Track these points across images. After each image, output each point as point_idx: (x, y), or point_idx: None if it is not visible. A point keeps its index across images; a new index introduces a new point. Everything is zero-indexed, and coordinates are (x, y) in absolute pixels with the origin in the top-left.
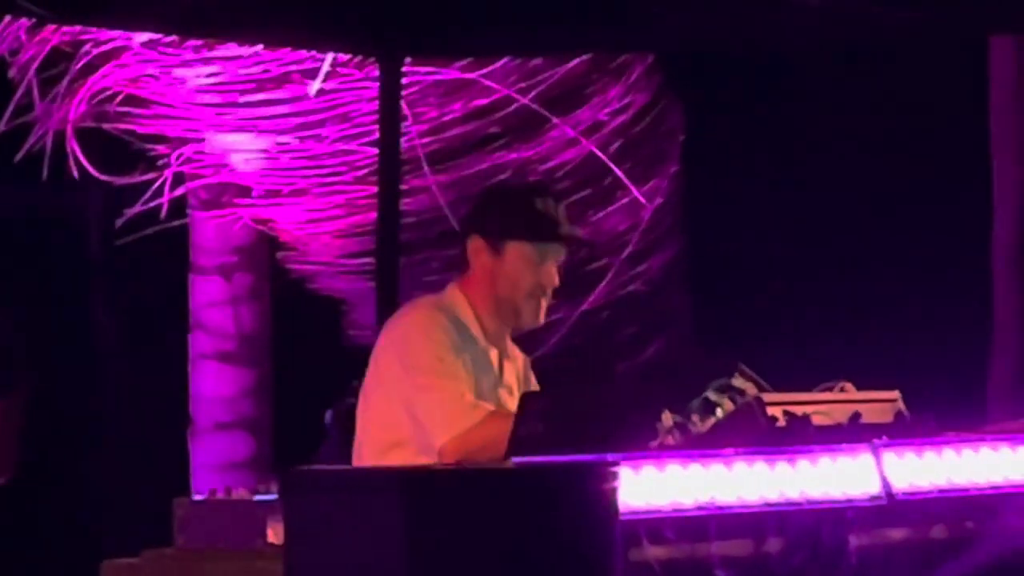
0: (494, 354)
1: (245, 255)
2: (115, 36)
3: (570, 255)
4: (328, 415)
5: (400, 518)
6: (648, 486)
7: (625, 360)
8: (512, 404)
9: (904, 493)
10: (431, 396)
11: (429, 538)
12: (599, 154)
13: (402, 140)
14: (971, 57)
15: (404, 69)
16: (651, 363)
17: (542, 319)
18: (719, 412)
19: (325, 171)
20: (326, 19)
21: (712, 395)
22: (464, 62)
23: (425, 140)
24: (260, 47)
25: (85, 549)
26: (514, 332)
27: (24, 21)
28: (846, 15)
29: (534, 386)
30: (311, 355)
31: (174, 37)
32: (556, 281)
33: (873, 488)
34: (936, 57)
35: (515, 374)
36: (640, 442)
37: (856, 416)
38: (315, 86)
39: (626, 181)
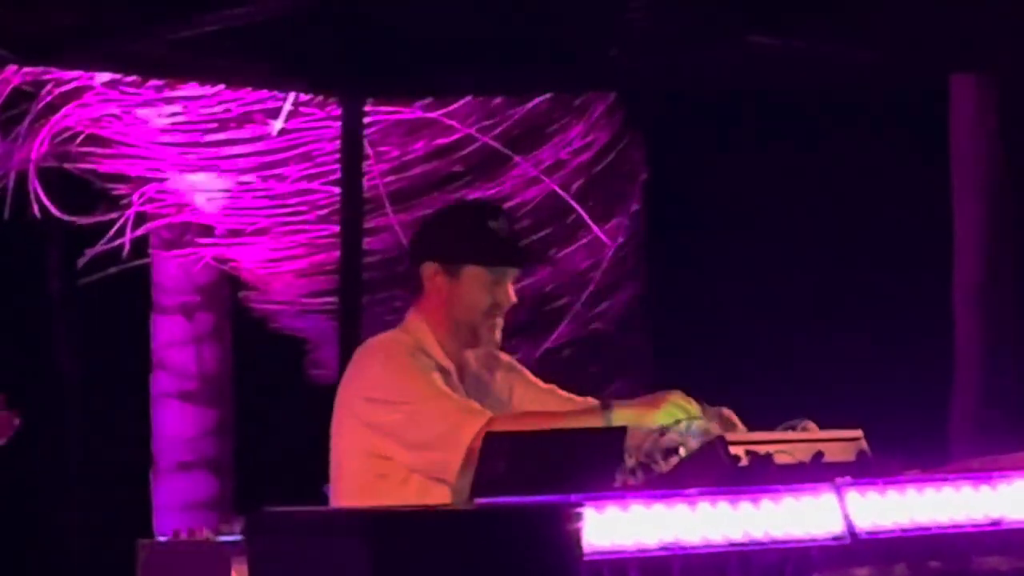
0: (459, 376)
1: (207, 294)
2: (77, 76)
3: (524, 273)
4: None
5: (366, 560)
6: (612, 526)
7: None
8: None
9: (867, 532)
10: (424, 417)
11: None
12: (561, 193)
13: (364, 179)
14: (932, 96)
15: (366, 108)
16: None
17: (499, 338)
18: (682, 452)
19: (287, 210)
20: (288, 59)
21: (675, 435)
22: (425, 101)
23: (387, 179)
24: (222, 87)
25: None
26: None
27: None
28: (805, 56)
29: (524, 380)
30: (273, 395)
31: (136, 77)
32: (513, 299)
33: (836, 527)
34: (897, 97)
35: (491, 387)
36: (604, 482)
37: (819, 455)
38: (277, 125)
39: (588, 220)
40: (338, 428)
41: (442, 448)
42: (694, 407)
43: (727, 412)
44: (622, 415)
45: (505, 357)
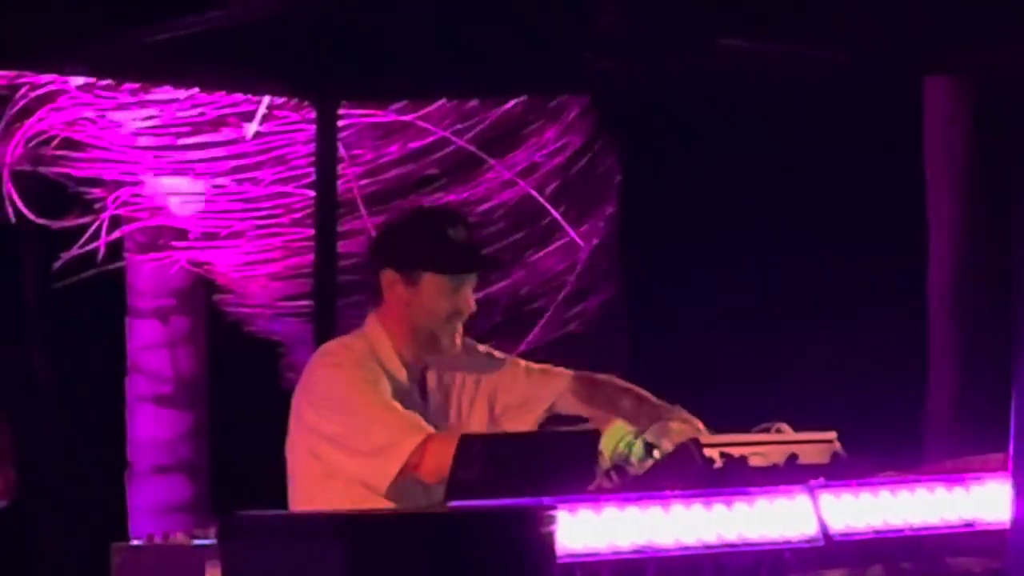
0: (416, 382)
1: (182, 298)
2: (51, 79)
3: (483, 279)
4: None
5: (339, 563)
6: (585, 529)
7: None
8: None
9: (841, 534)
10: (366, 427)
11: None
12: (536, 195)
13: (339, 182)
14: (906, 98)
15: (340, 112)
16: None
17: (459, 344)
18: (656, 454)
19: (262, 214)
20: (262, 62)
21: (650, 437)
22: (400, 104)
23: (362, 182)
24: (196, 90)
25: None
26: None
27: None
28: (778, 59)
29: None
30: (248, 398)
31: (110, 80)
32: (472, 306)
33: (810, 529)
34: (872, 99)
35: (451, 391)
36: (578, 485)
37: (793, 457)
38: (251, 129)
39: (563, 222)
40: (291, 432)
41: (381, 457)
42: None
43: (681, 411)
44: None
45: (480, 347)
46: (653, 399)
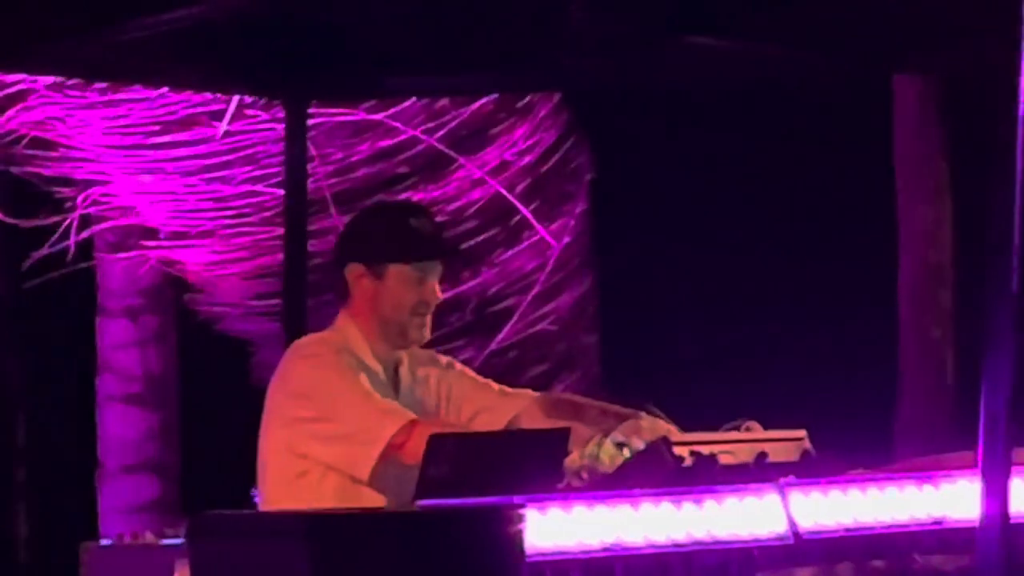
0: (390, 378)
1: (152, 297)
2: (20, 79)
3: (451, 274)
4: None
5: (306, 563)
6: (555, 527)
7: None
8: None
9: (810, 532)
10: (344, 412)
11: None
12: (506, 194)
13: (309, 181)
14: (876, 96)
15: (310, 111)
16: None
17: (428, 335)
18: (626, 452)
19: (232, 213)
20: (231, 61)
21: (619, 435)
22: (370, 103)
23: (332, 181)
24: (166, 90)
25: None
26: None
27: None
28: (748, 56)
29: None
30: (218, 397)
31: (80, 80)
32: (439, 296)
33: (779, 527)
34: (842, 96)
35: (434, 391)
36: (548, 483)
37: (762, 455)
38: (221, 128)
39: (533, 221)
40: (264, 428)
41: (360, 443)
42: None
43: (652, 409)
44: None
45: (443, 358)
46: (618, 408)
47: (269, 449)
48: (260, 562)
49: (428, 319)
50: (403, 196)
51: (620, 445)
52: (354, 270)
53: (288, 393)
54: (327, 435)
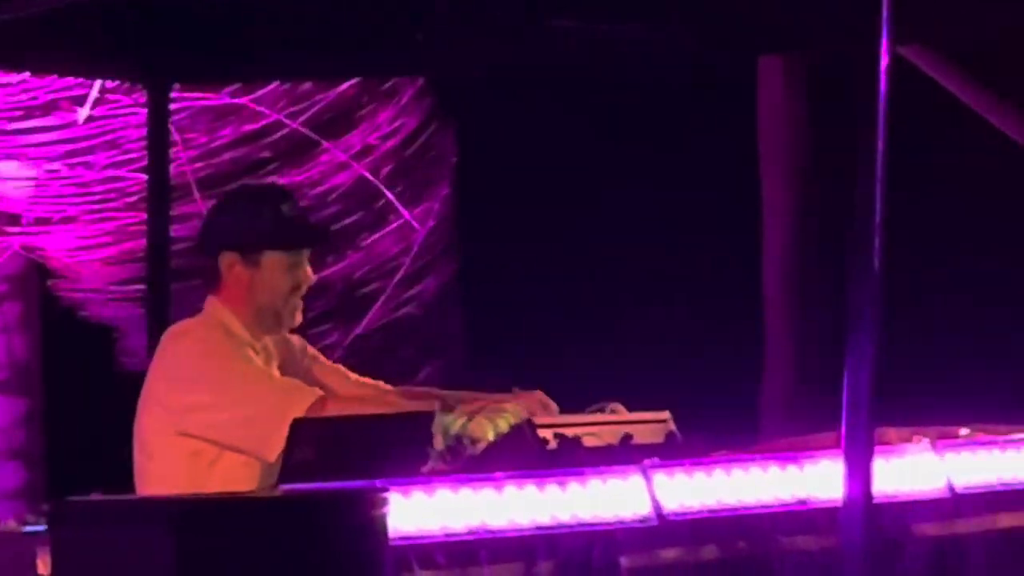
0: (264, 362)
1: (15, 284)
2: None
3: (317, 251)
4: None
5: (169, 548)
6: (418, 511)
7: (398, 384)
8: None
9: (674, 513)
10: (245, 394)
11: (200, 568)
12: (370, 178)
13: (172, 166)
14: (741, 79)
15: (173, 95)
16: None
17: (299, 319)
18: (490, 435)
19: (95, 198)
20: (93, 45)
21: (484, 418)
22: (233, 87)
23: (195, 166)
24: (27, 74)
25: None
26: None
27: None
28: (611, 39)
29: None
30: (83, 384)
31: None
32: (312, 278)
33: (644, 509)
34: (706, 79)
35: (293, 373)
36: (412, 467)
37: (627, 437)
38: (83, 113)
39: (398, 205)
40: (144, 414)
41: (265, 423)
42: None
43: (541, 396)
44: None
45: (298, 341)
46: (481, 394)
47: (153, 434)
48: (123, 548)
49: (300, 303)
50: (268, 180)
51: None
52: (227, 258)
53: (174, 378)
54: (226, 420)
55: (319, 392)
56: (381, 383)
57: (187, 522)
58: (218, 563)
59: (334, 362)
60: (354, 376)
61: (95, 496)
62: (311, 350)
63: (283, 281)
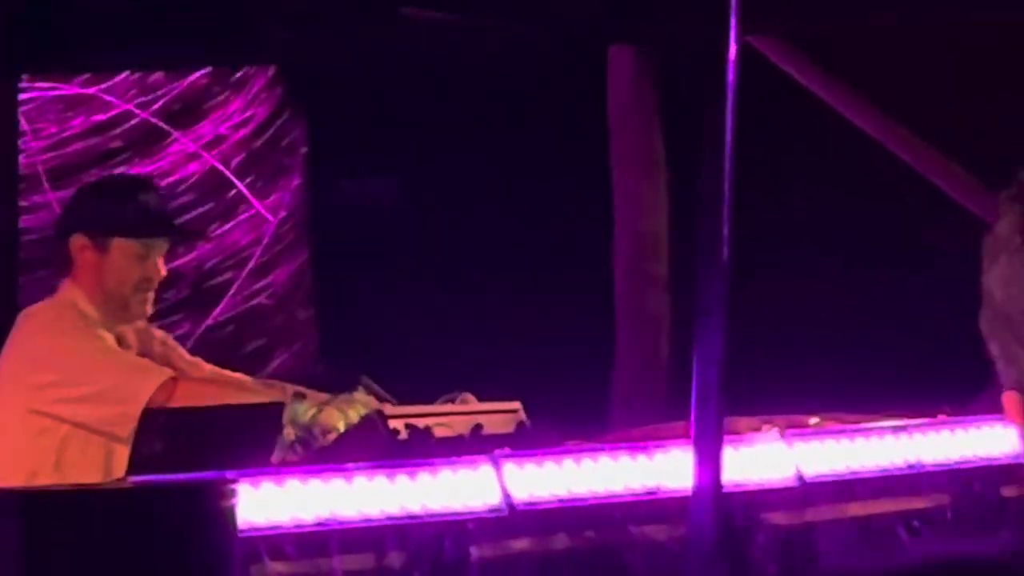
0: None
1: None
2: None
3: (174, 247)
4: None
5: (15, 539)
6: (268, 502)
7: (250, 374)
8: None
9: (525, 503)
10: (97, 371)
11: (47, 560)
12: (221, 168)
13: (21, 157)
14: (591, 67)
15: (22, 85)
16: (275, 377)
17: (149, 311)
18: (340, 426)
19: None
20: None
21: (334, 408)
22: (83, 77)
23: (45, 156)
24: None
25: None
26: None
27: None
28: (462, 28)
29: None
30: None
31: None
32: (163, 273)
33: (494, 499)
34: (558, 67)
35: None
36: (262, 458)
37: (478, 427)
38: None
39: (248, 195)
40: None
41: (114, 401)
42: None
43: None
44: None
45: (159, 332)
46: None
47: (3, 411)
48: None
49: (151, 296)
50: (118, 171)
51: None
52: (77, 241)
53: (26, 359)
54: (75, 396)
55: (170, 372)
56: (238, 374)
57: (35, 513)
58: (65, 555)
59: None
60: (209, 367)
61: None
62: (171, 341)
63: (132, 270)
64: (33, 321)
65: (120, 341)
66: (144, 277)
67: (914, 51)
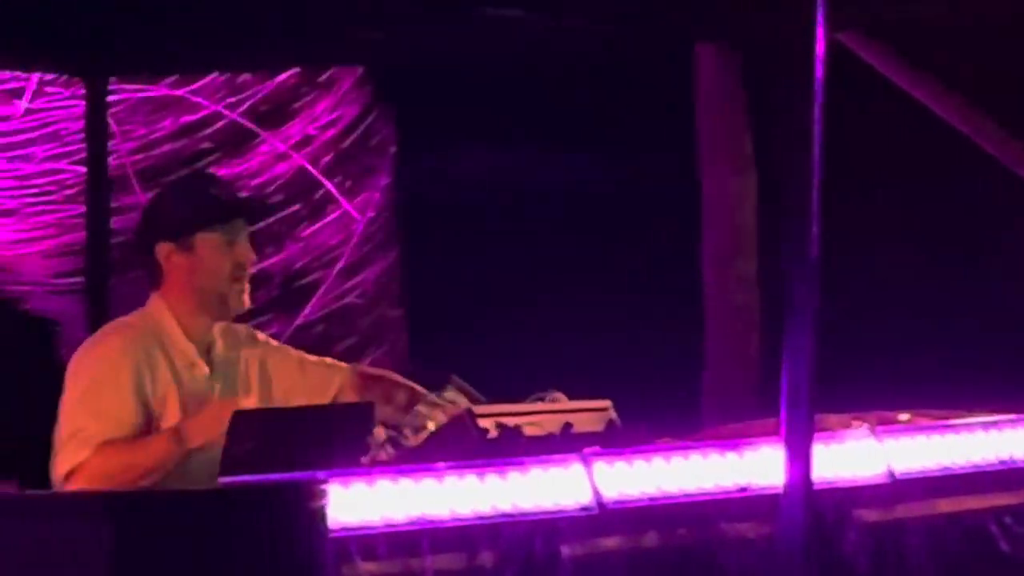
0: (204, 356)
1: None
2: None
3: (253, 223)
4: None
5: (104, 544)
6: (359, 502)
7: None
8: (240, 402)
9: (615, 502)
10: (60, 423)
11: (137, 564)
12: (310, 168)
13: (111, 158)
14: (678, 67)
15: (112, 87)
16: None
17: (247, 302)
18: (431, 425)
19: (34, 191)
20: (30, 38)
21: (424, 408)
22: (172, 79)
23: (135, 158)
24: None
25: None
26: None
27: None
28: (546, 27)
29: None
30: (24, 376)
31: None
32: (253, 255)
33: (584, 498)
34: (645, 68)
35: (246, 369)
36: (352, 458)
37: (568, 426)
38: (22, 106)
39: (337, 195)
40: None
41: (58, 453)
42: None
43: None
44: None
45: (261, 335)
46: (427, 393)
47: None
48: (59, 543)
49: (247, 285)
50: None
51: (424, 418)
52: (163, 249)
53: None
54: (59, 424)
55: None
56: (338, 362)
57: (124, 517)
58: (156, 559)
59: None
60: (312, 357)
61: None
62: (262, 337)
63: (222, 261)
64: (93, 337)
65: (209, 347)
66: (236, 264)
67: (1002, 44)
